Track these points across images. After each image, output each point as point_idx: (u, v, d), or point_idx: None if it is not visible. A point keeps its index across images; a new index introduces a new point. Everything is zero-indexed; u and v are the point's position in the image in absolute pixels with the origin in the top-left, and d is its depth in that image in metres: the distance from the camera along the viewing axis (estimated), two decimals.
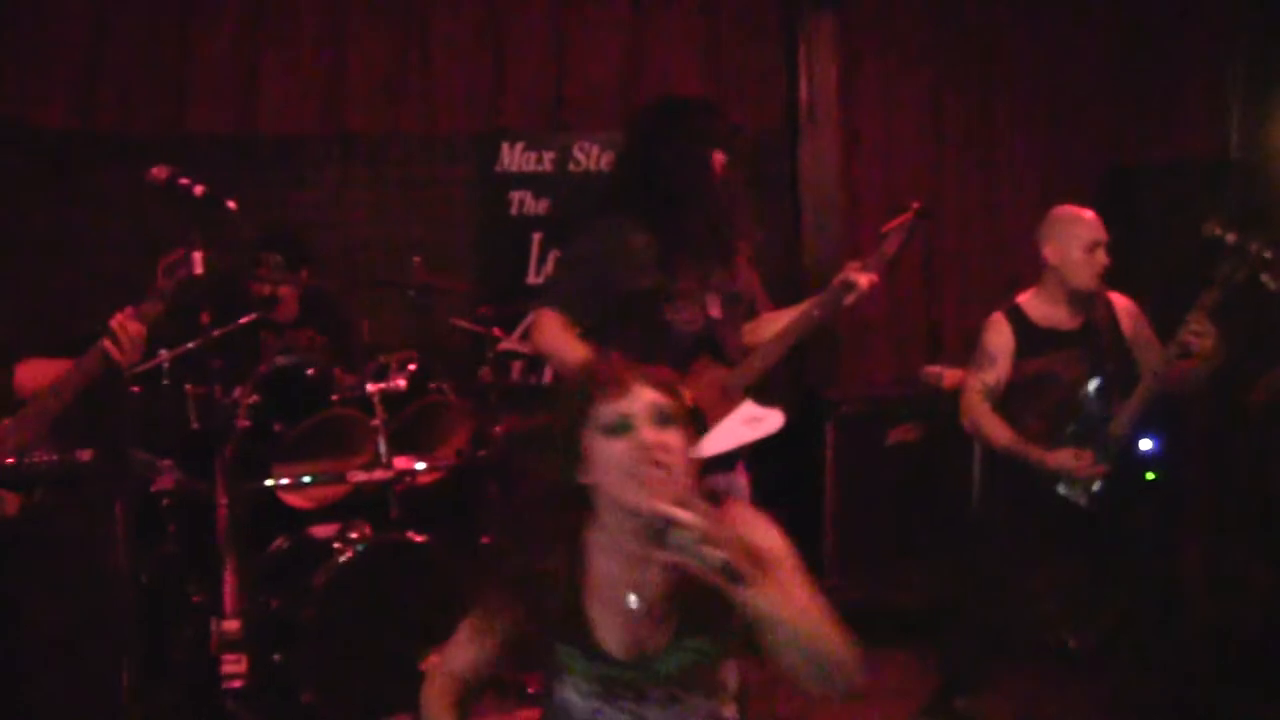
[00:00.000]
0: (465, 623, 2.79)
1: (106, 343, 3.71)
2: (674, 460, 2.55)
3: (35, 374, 3.82)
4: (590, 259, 4.11)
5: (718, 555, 2.36)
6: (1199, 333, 4.48)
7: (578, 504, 2.65)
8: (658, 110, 4.32)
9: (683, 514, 2.40)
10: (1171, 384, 4.66)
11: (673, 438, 2.58)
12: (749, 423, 4.11)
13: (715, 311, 4.21)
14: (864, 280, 4.17)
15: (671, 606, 2.62)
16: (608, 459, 2.58)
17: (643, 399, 2.59)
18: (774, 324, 4.32)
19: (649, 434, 2.56)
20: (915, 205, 4.34)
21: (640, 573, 2.63)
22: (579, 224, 4.24)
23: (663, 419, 2.59)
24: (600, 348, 4.02)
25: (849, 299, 4.21)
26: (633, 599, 2.64)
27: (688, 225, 4.08)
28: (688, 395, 2.67)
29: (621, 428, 2.57)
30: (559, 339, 4.04)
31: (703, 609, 2.57)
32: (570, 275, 4.19)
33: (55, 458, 3.96)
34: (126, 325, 3.73)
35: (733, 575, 2.36)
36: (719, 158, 4.16)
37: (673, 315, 4.11)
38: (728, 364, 4.18)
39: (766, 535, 2.65)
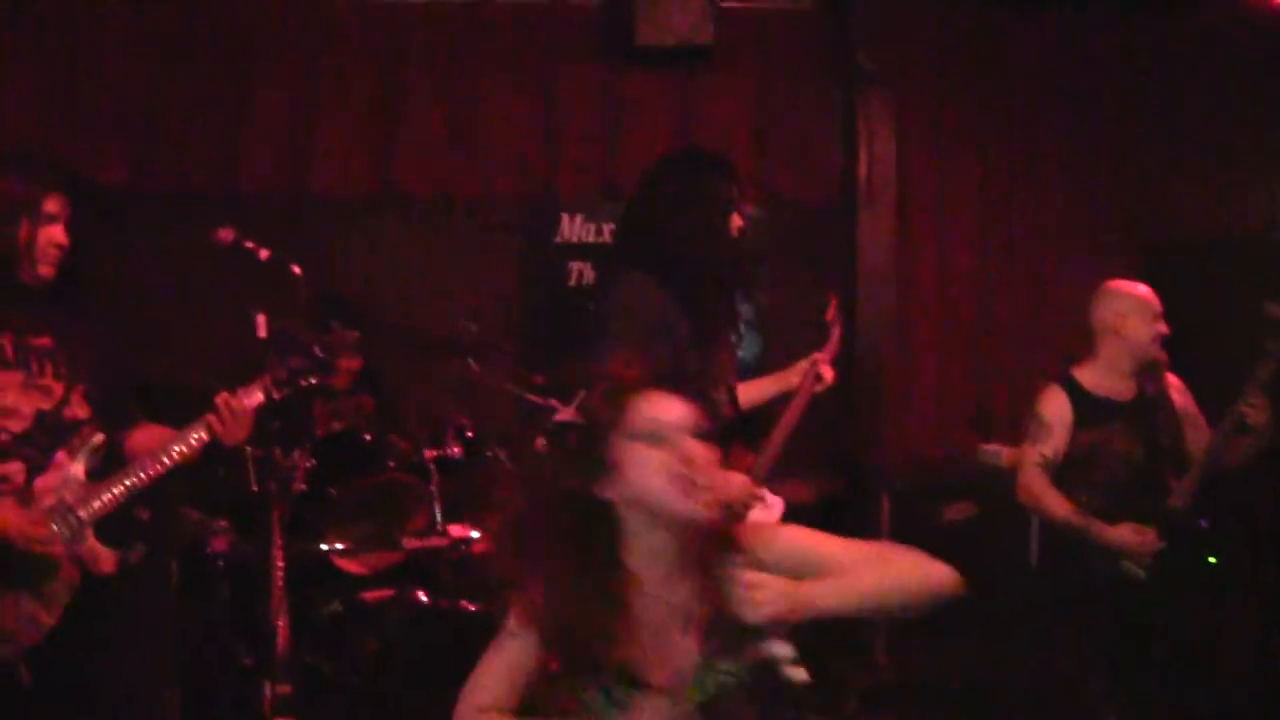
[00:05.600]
0: (492, 656, 2.65)
1: (211, 419, 3.69)
2: (712, 473, 2.54)
3: (150, 440, 3.77)
4: (644, 327, 3.87)
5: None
6: (1256, 405, 4.46)
7: (602, 522, 2.56)
8: (664, 171, 4.14)
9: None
10: (1225, 459, 4.62)
11: (707, 451, 2.56)
12: (765, 509, 4.17)
13: (734, 392, 4.21)
14: (829, 373, 4.36)
15: (704, 625, 2.56)
16: (645, 465, 2.52)
17: (676, 410, 2.57)
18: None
19: (690, 444, 2.54)
20: (833, 299, 4.63)
21: (673, 587, 2.58)
22: (611, 283, 4.06)
23: (698, 433, 2.57)
24: None
25: (818, 388, 4.33)
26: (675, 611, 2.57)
27: (715, 298, 4.01)
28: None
29: (659, 436, 2.53)
30: None
31: (732, 630, 2.52)
32: (632, 346, 3.78)
33: (153, 515, 3.97)
34: (231, 403, 3.71)
35: None
36: (736, 220, 4.05)
37: (714, 396, 4.01)
38: (753, 449, 4.17)
39: (785, 538, 2.68)
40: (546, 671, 2.56)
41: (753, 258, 6.23)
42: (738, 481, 3.95)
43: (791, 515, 6.73)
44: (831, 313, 4.50)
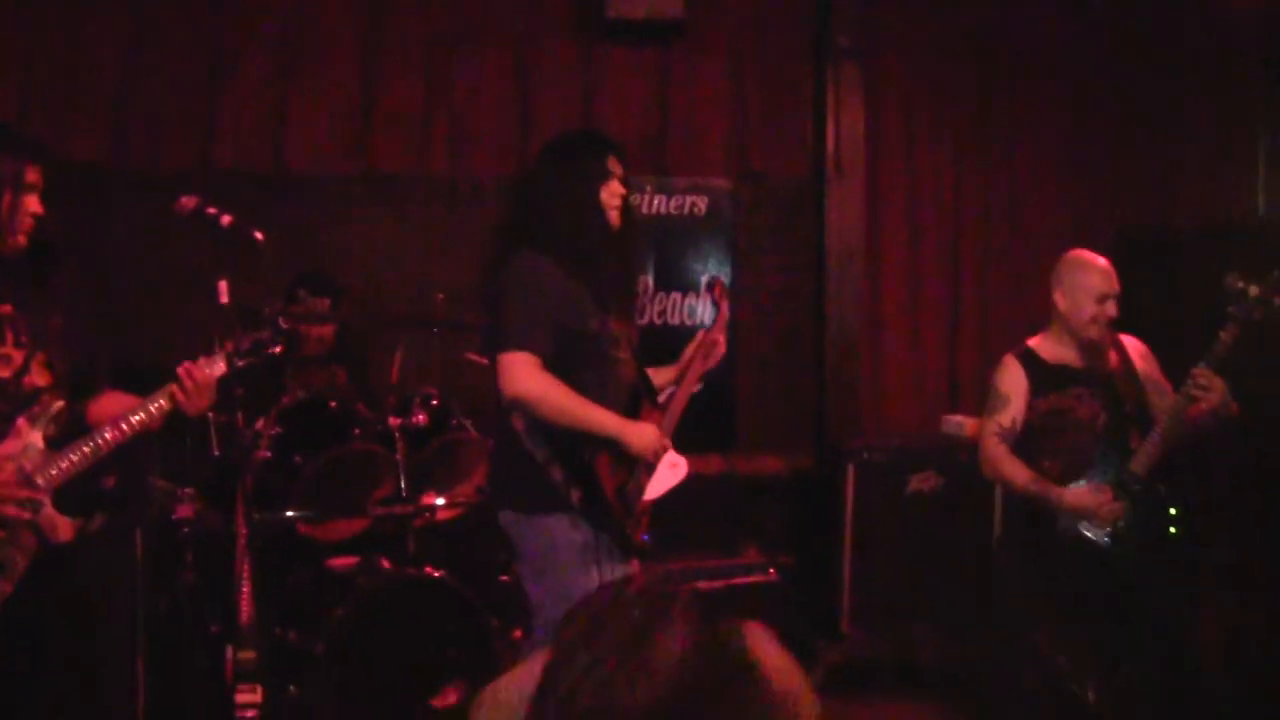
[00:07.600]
0: None
1: (174, 389, 3.71)
2: None
3: (115, 408, 3.77)
4: (538, 297, 3.97)
5: None
6: (1204, 387, 4.45)
7: None
8: (544, 153, 4.31)
9: None
10: (1189, 429, 4.62)
11: None
12: (672, 468, 4.19)
13: (637, 353, 4.28)
14: (722, 344, 4.45)
15: None
16: None
17: None
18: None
19: None
20: (719, 280, 4.78)
21: None
22: (504, 261, 4.08)
23: None
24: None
25: (711, 362, 4.42)
26: None
27: (600, 266, 4.08)
28: None
29: None
30: (545, 382, 3.90)
31: None
32: (528, 315, 3.95)
33: (115, 483, 3.98)
34: (194, 373, 3.73)
35: None
36: (606, 194, 4.13)
37: (617, 355, 4.12)
38: (657, 407, 4.24)
39: None
40: None
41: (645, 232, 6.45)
42: (650, 432, 4.05)
43: (762, 486, 6.81)
44: (719, 291, 4.60)
